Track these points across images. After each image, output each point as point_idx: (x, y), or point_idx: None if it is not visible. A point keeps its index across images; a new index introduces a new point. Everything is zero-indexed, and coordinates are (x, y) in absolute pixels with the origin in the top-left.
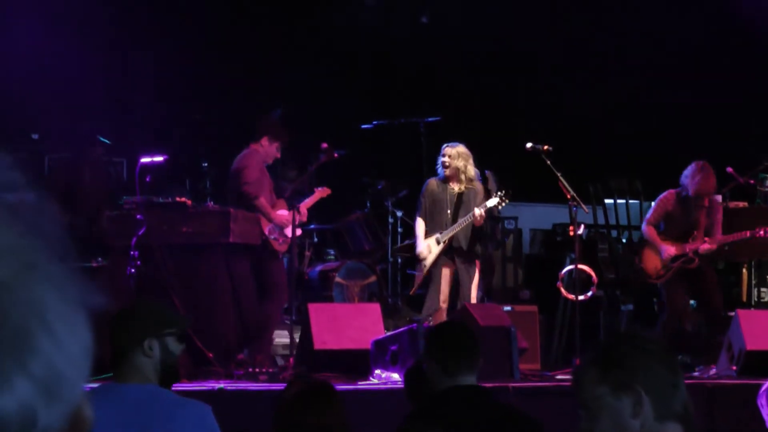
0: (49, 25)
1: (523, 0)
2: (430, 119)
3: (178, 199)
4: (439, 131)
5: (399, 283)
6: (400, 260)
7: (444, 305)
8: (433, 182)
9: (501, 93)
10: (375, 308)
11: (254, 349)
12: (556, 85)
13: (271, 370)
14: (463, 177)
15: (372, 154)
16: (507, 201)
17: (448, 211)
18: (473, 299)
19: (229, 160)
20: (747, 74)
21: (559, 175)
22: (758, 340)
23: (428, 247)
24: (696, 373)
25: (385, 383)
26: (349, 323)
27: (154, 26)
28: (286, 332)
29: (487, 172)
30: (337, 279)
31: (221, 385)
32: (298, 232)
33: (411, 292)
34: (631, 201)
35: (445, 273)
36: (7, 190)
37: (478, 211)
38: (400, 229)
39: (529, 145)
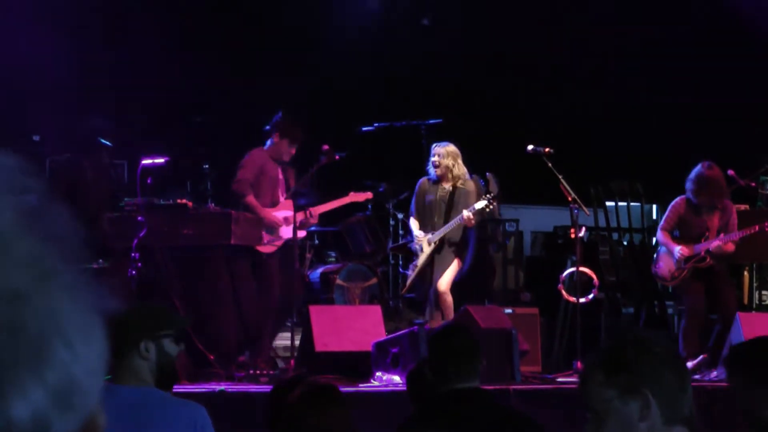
0: (49, 26)
1: (523, 1)
2: (431, 121)
3: (179, 201)
4: (440, 133)
5: (400, 285)
6: (401, 262)
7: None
8: (424, 182)
9: (502, 95)
10: (376, 310)
11: (255, 351)
12: (557, 86)
13: (271, 372)
14: (450, 175)
15: (373, 156)
16: (494, 204)
17: (440, 211)
18: (443, 287)
19: (230, 162)
20: (748, 75)
21: (560, 177)
22: None
23: (421, 248)
24: (697, 376)
25: (386, 385)
26: (350, 325)
27: (155, 27)
28: (287, 334)
29: (489, 174)
30: (338, 281)
31: (222, 386)
32: (303, 233)
33: (402, 292)
34: (632, 203)
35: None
36: (24, 194)
37: (467, 213)
38: (401, 231)
39: (530, 147)
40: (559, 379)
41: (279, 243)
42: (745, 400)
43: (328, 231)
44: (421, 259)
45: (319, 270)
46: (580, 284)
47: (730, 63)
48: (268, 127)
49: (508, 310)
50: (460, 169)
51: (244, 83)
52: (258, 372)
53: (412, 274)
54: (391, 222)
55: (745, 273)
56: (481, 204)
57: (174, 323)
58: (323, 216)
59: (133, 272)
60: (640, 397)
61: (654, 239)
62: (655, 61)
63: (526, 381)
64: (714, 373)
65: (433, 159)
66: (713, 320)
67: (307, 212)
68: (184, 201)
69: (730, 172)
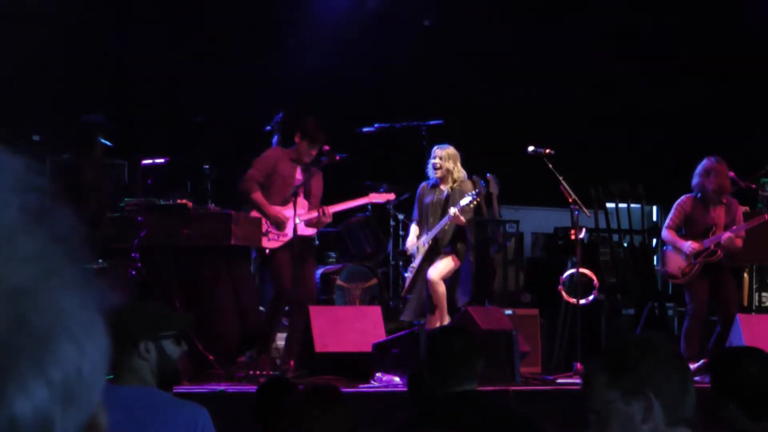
0: (48, 23)
1: (523, 3)
2: (432, 122)
3: (179, 201)
4: (441, 134)
5: (400, 286)
6: (401, 263)
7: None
8: (424, 187)
9: (503, 96)
10: (376, 311)
11: (262, 345)
12: (557, 87)
13: (271, 372)
14: (450, 178)
15: (374, 157)
16: (478, 201)
17: (435, 213)
18: (435, 276)
19: (230, 162)
20: (748, 78)
21: (560, 178)
22: (759, 344)
23: (417, 250)
24: (697, 378)
25: (386, 386)
26: (350, 326)
27: (156, 26)
28: (286, 335)
29: (489, 176)
30: (339, 282)
31: (222, 387)
32: (312, 231)
33: (402, 294)
34: (632, 205)
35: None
36: (29, 193)
37: (453, 210)
38: (401, 233)
39: (530, 148)
40: (559, 381)
41: (285, 239)
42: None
43: (329, 232)
44: (417, 261)
45: (320, 270)
46: (580, 285)
47: (729, 66)
48: (269, 127)
49: (509, 312)
50: (460, 171)
51: (244, 83)
52: (258, 372)
53: (410, 275)
54: (392, 223)
55: (745, 275)
56: (466, 200)
57: (175, 324)
58: None
59: (133, 272)
60: (642, 399)
61: (654, 241)
62: (655, 62)
63: (526, 382)
64: None
65: (433, 161)
66: (714, 322)
67: (320, 210)
68: (184, 201)
69: (731, 174)
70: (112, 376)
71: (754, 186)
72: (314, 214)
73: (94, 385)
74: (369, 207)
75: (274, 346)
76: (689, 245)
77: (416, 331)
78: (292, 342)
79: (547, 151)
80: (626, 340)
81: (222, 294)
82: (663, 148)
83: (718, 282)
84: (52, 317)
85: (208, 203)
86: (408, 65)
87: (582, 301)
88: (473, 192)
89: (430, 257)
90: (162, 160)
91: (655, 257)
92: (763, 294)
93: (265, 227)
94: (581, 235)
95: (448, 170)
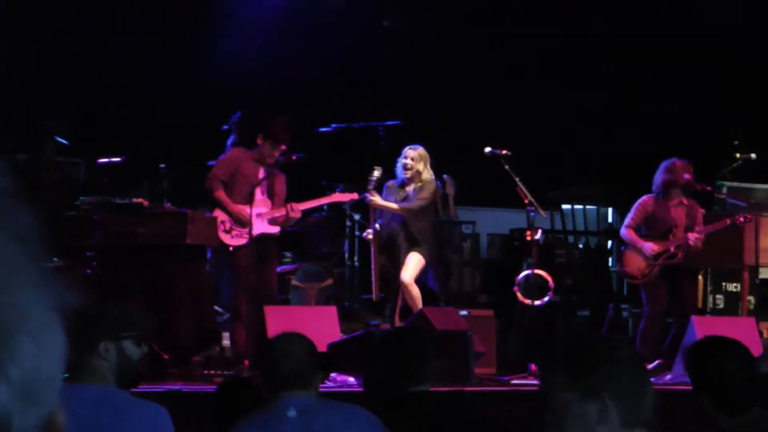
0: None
1: (483, 4)
2: (389, 123)
3: (135, 200)
4: (398, 135)
5: (356, 287)
6: (357, 263)
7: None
8: (390, 186)
9: (460, 97)
10: (332, 311)
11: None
12: (515, 90)
13: (226, 372)
14: (418, 179)
15: (331, 157)
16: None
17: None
18: (407, 278)
19: (187, 162)
20: (704, 84)
21: (517, 179)
22: None
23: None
24: (652, 379)
25: (340, 387)
26: (305, 326)
27: (117, 25)
28: (239, 334)
29: (446, 176)
30: (294, 282)
31: (177, 387)
32: (277, 229)
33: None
34: (588, 207)
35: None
36: None
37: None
38: (357, 233)
39: (487, 149)
40: (514, 381)
41: (247, 237)
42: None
43: (285, 232)
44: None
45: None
46: (535, 287)
47: (688, 69)
48: (225, 127)
49: (464, 312)
50: (429, 173)
51: (201, 82)
52: (213, 372)
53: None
54: (348, 223)
55: (700, 277)
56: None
57: (136, 325)
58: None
59: (89, 272)
60: (598, 400)
61: (610, 242)
62: (613, 65)
63: (481, 383)
64: (669, 376)
65: (404, 161)
66: (670, 323)
67: (288, 206)
68: (140, 200)
69: (687, 176)
70: (69, 376)
71: (709, 188)
72: (281, 211)
73: (53, 384)
74: (325, 207)
75: (223, 345)
76: (650, 246)
77: (371, 332)
78: (248, 341)
79: (504, 152)
80: (584, 342)
81: (178, 293)
82: (619, 150)
83: (677, 284)
84: (11, 316)
85: (164, 202)
86: (366, 66)
87: (537, 302)
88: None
89: (388, 254)
90: (118, 159)
91: (610, 259)
92: (718, 296)
93: (228, 225)
94: (537, 237)
95: (417, 171)
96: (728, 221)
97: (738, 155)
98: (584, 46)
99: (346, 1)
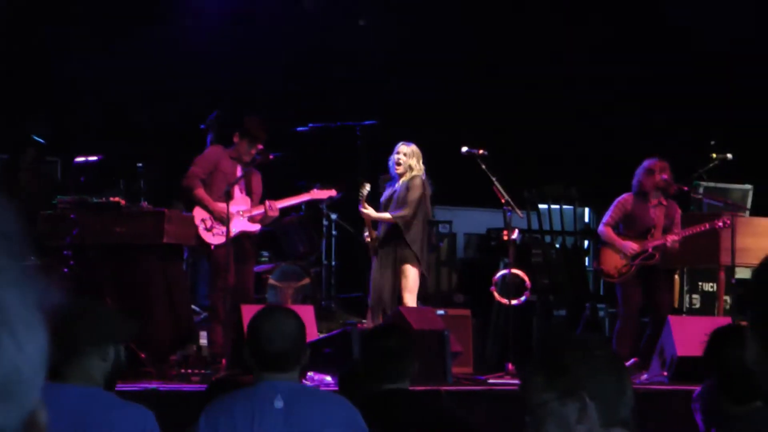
0: None
1: (457, 4)
2: (366, 122)
3: (111, 199)
4: (375, 135)
5: (333, 286)
6: (334, 262)
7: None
8: (384, 178)
9: (437, 96)
10: (308, 310)
11: (210, 336)
12: (492, 89)
13: (203, 371)
14: (409, 175)
15: (308, 157)
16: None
17: (385, 210)
18: (410, 303)
19: (164, 161)
20: (680, 83)
21: (494, 179)
22: (690, 346)
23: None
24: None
25: (317, 385)
26: None
27: (94, 26)
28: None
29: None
30: (271, 281)
31: (154, 386)
32: (257, 227)
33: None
34: (565, 207)
35: (374, 274)
36: None
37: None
38: (334, 232)
39: (464, 149)
40: (491, 381)
41: (232, 234)
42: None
43: (262, 231)
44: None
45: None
46: (512, 286)
47: (664, 70)
48: (203, 126)
49: (441, 312)
50: (421, 170)
51: (179, 82)
52: (190, 371)
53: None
54: (325, 222)
55: (676, 277)
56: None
57: (131, 330)
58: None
59: (66, 270)
60: (577, 400)
61: (586, 242)
62: (590, 66)
63: (458, 382)
64: (645, 376)
65: (396, 156)
66: (645, 323)
67: (267, 204)
68: (116, 199)
69: (664, 176)
70: (59, 374)
71: (686, 188)
72: (260, 209)
73: (33, 383)
74: (303, 207)
75: (200, 344)
76: (630, 246)
77: (348, 331)
78: (226, 340)
79: (481, 151)
80: (563, 342)
81: (154, 292)
82: (596, 150)
83: (653, 285)
84: None
85: (140, 201)
86: (343, 65)
87: (514, 302)
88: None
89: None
90: (95, 158)
91: (587, 258)
92: (694, 296)
93: (209, 223)
94: (514, 236)
95: (409, 167)
96: (707, 226)
97: (714, 155)
98: (559, 45)
99: (321, 1)
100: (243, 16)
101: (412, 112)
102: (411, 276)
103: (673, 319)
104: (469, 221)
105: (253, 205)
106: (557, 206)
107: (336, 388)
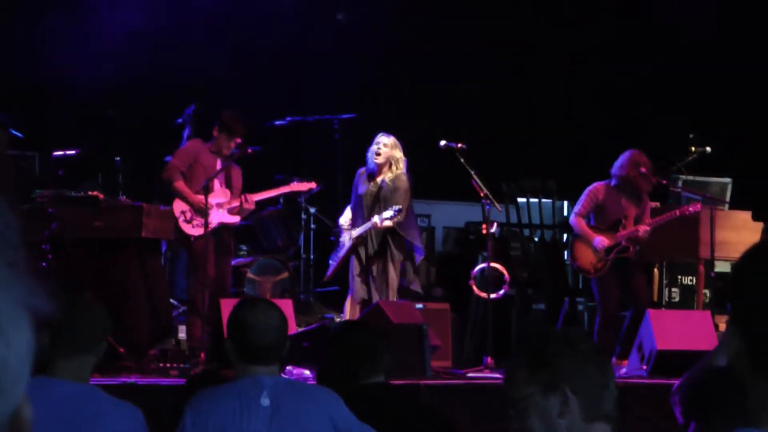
0: None
1: None
2: (344, 116)
3: (90, 193)
4: (353, 128)
5: (311, 280)
6: (312, 256)
7: (357, 304)
8: (361, 173)
9: (415, 90)
10: (287, 304)
11: (189, 330)
12: (470, 83)
13: (182, 365)
14: (388, 168)
15: (285, 150)
16: (399, 217)
17: (367, 206)
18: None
19: (142, 155)
20: (659, 76)
21: (472, 173)
22: (669, 340)
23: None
24: None
25: (297, 379)
26: None
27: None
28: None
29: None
30: (249, 275)
31: (132, 380)
32: (236, 219)
33: (325, 279)
34: (544, 200)
35: (356, 271)
36: None
37: (375, 219)
38: (313, 226)
39: (442, 142)
40: (470, 375)
41: (210, 226)
42: None
43: (240, 224)
44: (342, 252)
45: (231, 263)
46: (491, 280)
47: (642, 63)
48: (180, 120)
49: (420, 306)
50: (402, 161)
51: (156, 75)
52: (168, 365)
53: (334, 264)
54: (303, 216)
55: (655, 271)
56: (387, 214)
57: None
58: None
59: (44, 264)
60: (559, 394)
61: (566, 236)
62: (568, 60)
63: (437, 376)
64: (624, 370)
65: (376, 147)
66: (623, 318)
67: (243, 197)
68: (95, 193)
69: (642, 169)
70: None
71: (665, 182)
72: (237, 202)
73: (20, 378)
74: (281, 200)
75: (178, 338)
76: (600, 241)
77: (327, 325)
78: (204, 333)
79: (459, 145)
80: (546, 336)
81: (133, 286)
82: (575, 143)
83: (629, 276)
84: None
85: (119, 195)
86: (320, 58)
87: (493, 296)
88: (396, 207)
89: (356, 254)
90: (73, 152)
91: (566, 252)
92: (673, 290)
93: (189, 215)
94: (492, 230)
95: (389, 158)
96: (677, 212)
97: (693, 148)
98: (538, 39)
99: None
100: (220, 9)
101: (389, 105)
102: (393, 280)
103: (652, 312)
104: (447, 215)
105: (234, 197)
106: (536, 200)
107: (314, 383)
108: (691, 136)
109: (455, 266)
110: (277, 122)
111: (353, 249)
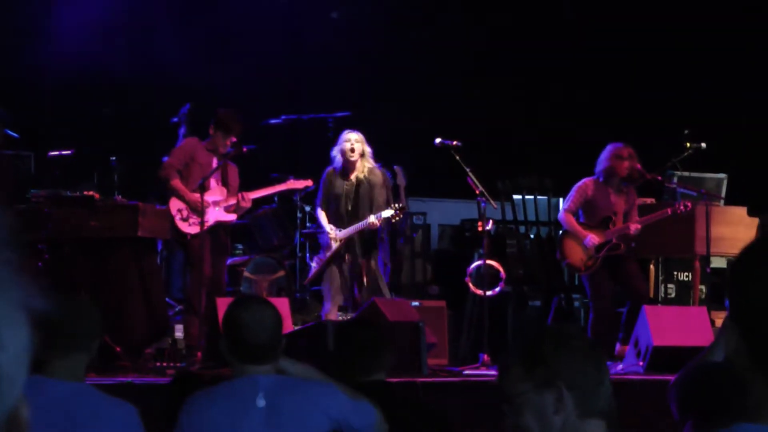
0: None
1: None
2: (339, 114)
3: (85, 193)
4: (348, 126)
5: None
6: (308, 254)
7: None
8: (330, 173)
9: (410, 87)
10: (283, 303)
11: (187, 328)
12: (466, 80)
13: (179, 364)
14: (361, 164)
15: (280, 149)
16: (401, 216)
17: (346, 205)
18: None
19: (137, 155)
20: (654, 72)
21: (468, 170)
22: (665, 335)
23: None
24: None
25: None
26: None
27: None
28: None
29: (396, 167)
30: (246, 273)
31: (129, 379)
32: (233, 217)
33: (305, 282)
34: (539, 197)
35: (343, 270)
36: None
37: (372, 219)
38: (308, 224)
39: (438, 140)
40: (466, 372)
41: (206, 225)
42: None
43: (236, 223)
44: (329, 254)
45: (227, 262)
46: (487, 277)
47: (637, 59)
48: (175, 119)
49: (416, 303)
50: (369, 155)
51: (152, 77)
52: (165, 364)
53: (316, 266)
54: (299, 214)
55: (651, 266)
56: (387, 213)
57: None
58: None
59: (40, 264)
60: (554, 390)
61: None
62: (563, 56)
63: (434, 374)
64: (620, 366)
65: (349, 145)
66: (619, 313)
67: (239, 195)
68: (90, 193)
69: (636, 165)
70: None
71: (660, 178)
72: (234, 200)
73: (16, 379)
74: (276, 199)
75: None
76: (590, 239)
77: (323, 323)
78: (201, 332)
79: (454, 142)
80: (541, 332)
81: (129, 285)
82: (569, 141)
83: (622, 271)
84: None
85: (115, 195)
86: (315, 57)
87: (489, 293)
88: (396, 206)
89: (341, 255)
90: (68, 152)
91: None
92: (669, 285)
93: (186, 213)
94: (488, 227)
95: (362, 153)
96: (669, 211)
97: (688, 144)
98: (532, 35)
99: None
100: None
101: (384, 102)
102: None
103: (648, 308)
104: (443, 212)
105: (230, 196)
106: (531, 197)
107: None
108: (686, 131)
109: (451, 264)
110: (273, 120)
111: (338, 251)
